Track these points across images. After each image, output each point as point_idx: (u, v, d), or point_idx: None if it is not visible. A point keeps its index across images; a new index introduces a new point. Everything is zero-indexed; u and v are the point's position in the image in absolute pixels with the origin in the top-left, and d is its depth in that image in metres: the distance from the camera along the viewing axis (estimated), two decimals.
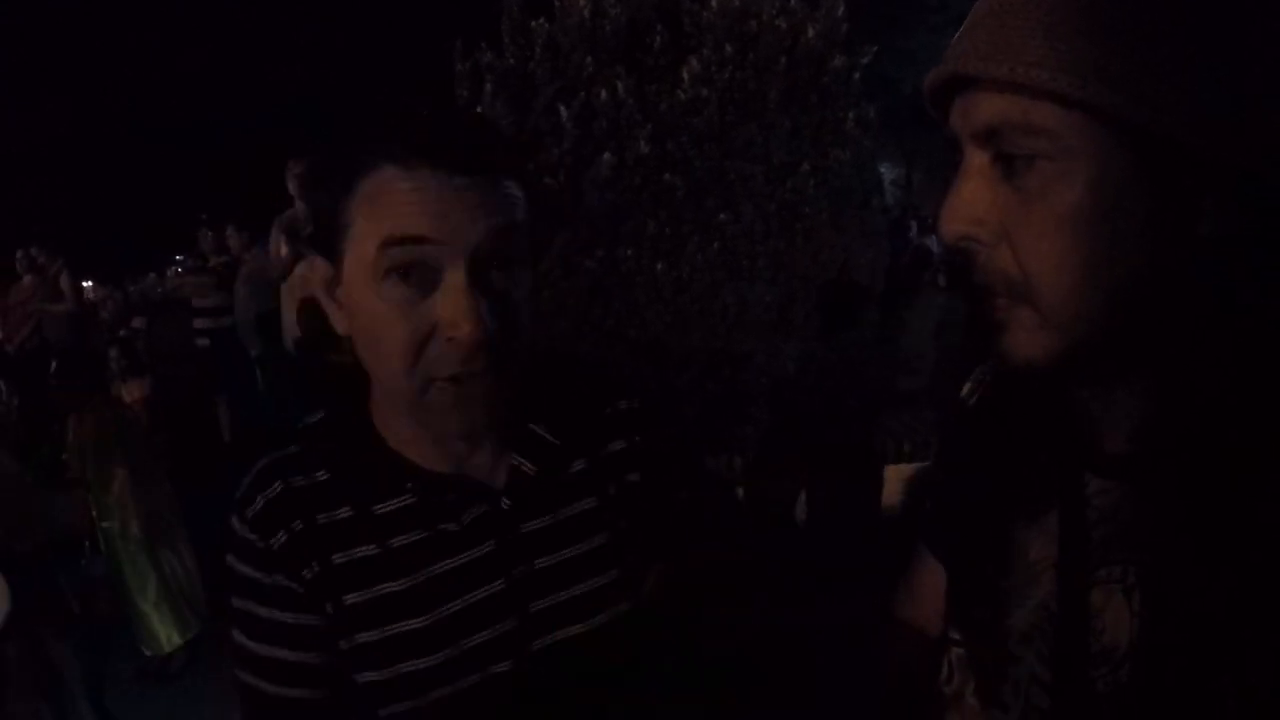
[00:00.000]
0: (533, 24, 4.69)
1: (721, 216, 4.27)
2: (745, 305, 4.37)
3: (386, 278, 0.79)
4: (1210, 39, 0.54)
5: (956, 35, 0.63)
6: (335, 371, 0.91)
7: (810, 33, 4.49)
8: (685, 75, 4.33)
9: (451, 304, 0.77)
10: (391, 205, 0.78)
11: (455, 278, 0.78)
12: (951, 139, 0.65)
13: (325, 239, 0.83)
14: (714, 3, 4.48)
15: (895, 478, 4.28)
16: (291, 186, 5.12)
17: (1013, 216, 0.59)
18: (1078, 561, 0.66)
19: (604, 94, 4.22)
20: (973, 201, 0.61)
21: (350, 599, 0.89)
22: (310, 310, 3.70)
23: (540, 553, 0.93)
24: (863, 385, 4.39)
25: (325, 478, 0.90)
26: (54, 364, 3.49)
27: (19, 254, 7.17)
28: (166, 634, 3.57)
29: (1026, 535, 0.72)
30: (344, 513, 0.89)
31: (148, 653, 3.58)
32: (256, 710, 0.93)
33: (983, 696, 0.72)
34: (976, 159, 0.62)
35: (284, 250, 5.06)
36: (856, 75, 4.67)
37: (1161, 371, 0.62)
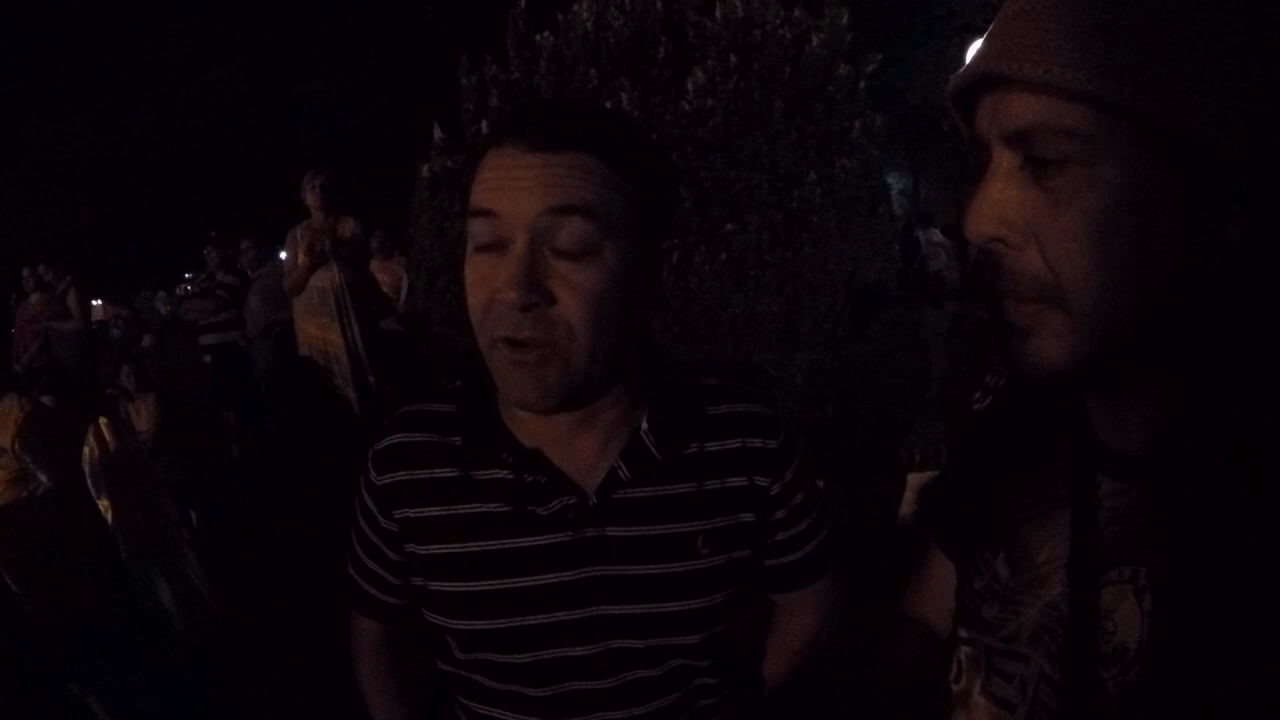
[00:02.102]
0: (537, 37, 4.70)
1: (728, 227, 4.25)
2: (753, 316, 4.35)
3: (472, 244, 0.86)
4: (1244, 46, 0.54)
5: (985, 36, 0.62)
6: (460, 359, 0.96)
7: (815, 42, 4.48)
8: (690, 86, 4.32)
9: (503, 270, 0.82)
10: (478, 181, 0.86)
11: (515, 248, 0.82)
12: (974, 142, 0.64)
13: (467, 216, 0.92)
14: (718, 13, 4.49)
15: (909, 485, 4.27)
16: (310, 198, 5.13)
17: (1041, 218, 0.59)
18: (1089, 561, 0.66)
19: (609, 106, 4.22)
20: (1000, 203, 0.61)
21: (429, 549, 0.98)
22: None
23: (618, 561, 0.94)
24: (873, 394, 4.37)
25: (444, 436, 0.99)
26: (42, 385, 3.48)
27: (25, 272, 7.20)
28: (178, 644, 3.56)
29: (1037, 535, 0.72)
30: (448, 472, 0.97)
31: (162, 663, 3.57)
32: (348, 597, 1.12)
33: (990, 695, 0.73)
34: (1005, 161, 0.61)
35: (301, 259, 5.07)
36: (862, 84, 4.65)
37: (1181, 374, 0.62)
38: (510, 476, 0.95)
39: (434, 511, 0.97)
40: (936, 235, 10.70)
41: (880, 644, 1.02)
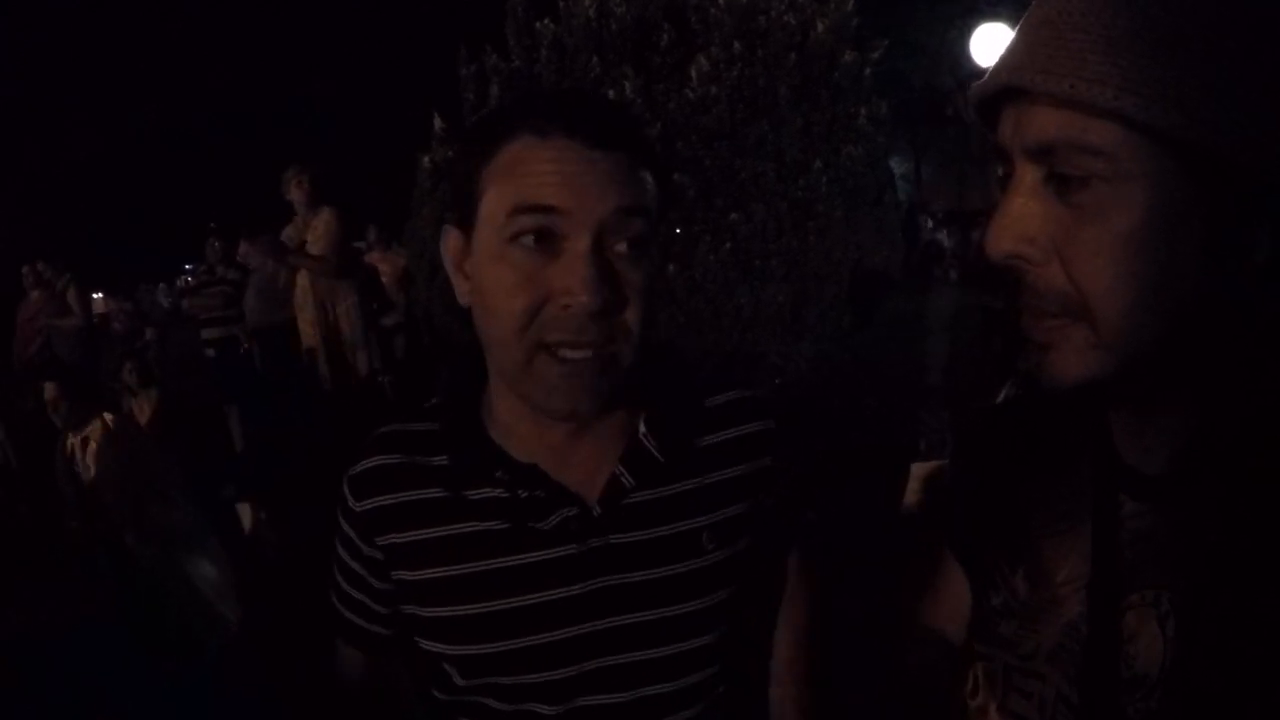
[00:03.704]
0: (538, 25, 4.66)
1: (733, 216, 4.22)
2: (759, 305, 4.32)
3: (513, 243, 0.80)
4: (1273, 63, 0.52)
5: (1008, 45, 0.61)
6: (456, 355, 0.92)
7: (820, 28, 4.44)
8: (694, 74, 4.28)
9: (571, 271, 0.77)
10: (525, 173, 0.79)
11: (578, 246, 0.78)
12: (998, 152, 0.63)
13: (461, 208, 0.85)
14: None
15: (913, 474, 4.25)
16: (295, 194, 5.09)
17: (1065, 234, 0.58)
18: (1109, 583, 0.65)
19: (611, 94, 4.18)
20: (1023, 218, 0.59)
21: (420, 574, 0.92)
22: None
23: (627, 569, 0.91)
24: (878, 383, 4.34)
25: (428, 456, 0.93)
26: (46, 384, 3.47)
27: (24, 270, 7.17)
28: (199, 638, 3.56)
29: (1057, 553, 0.71)
30: (435, 492, 0.92)
31: (182, 657, 3.57)
32: (332, 627, 1.05)
33: (1008, 712, 0.71)
34: (1028, 175, 0.60)
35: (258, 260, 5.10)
36: (868, 71, 4.61)
37: (1205, 395, 0.61)
38: (505, 494, 0.91)
39: (423, 534, 0.92)
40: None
41: (893, 652, 1.01)
